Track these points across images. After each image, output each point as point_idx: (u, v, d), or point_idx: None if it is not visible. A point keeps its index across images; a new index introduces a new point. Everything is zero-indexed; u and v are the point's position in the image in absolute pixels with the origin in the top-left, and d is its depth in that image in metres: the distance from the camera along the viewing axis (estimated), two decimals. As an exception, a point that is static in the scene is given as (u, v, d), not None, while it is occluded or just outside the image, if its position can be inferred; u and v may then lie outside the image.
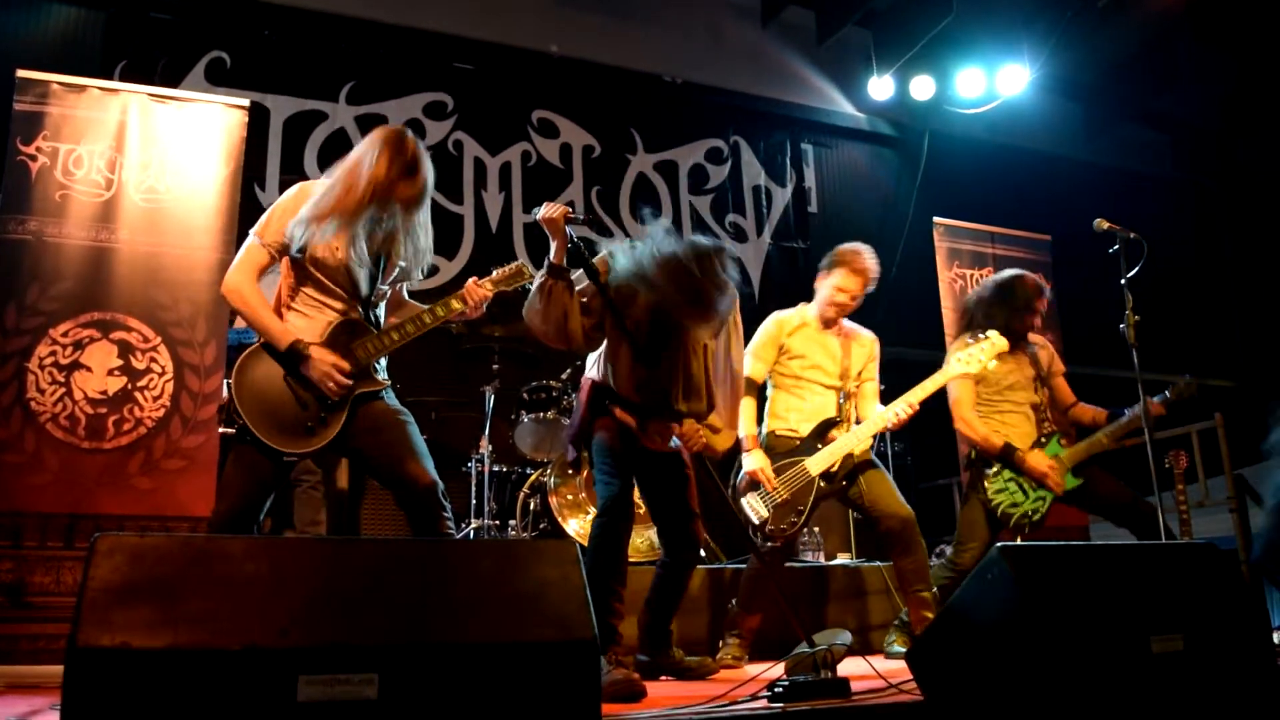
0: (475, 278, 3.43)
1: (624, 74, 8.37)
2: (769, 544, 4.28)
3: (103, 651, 1.58)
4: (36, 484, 4.07)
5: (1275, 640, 3.22)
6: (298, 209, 3.19)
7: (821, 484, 4.25)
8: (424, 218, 3.30)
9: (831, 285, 4.42)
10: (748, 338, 4.54)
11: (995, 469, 4.56)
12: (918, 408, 4.25)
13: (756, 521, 4.23)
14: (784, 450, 4.34)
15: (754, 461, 4.27)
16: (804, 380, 4.42)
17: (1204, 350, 10.05)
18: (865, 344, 4.56)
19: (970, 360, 4.32)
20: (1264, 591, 5.69)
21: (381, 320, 3.39)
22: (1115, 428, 4.49)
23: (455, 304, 3.38)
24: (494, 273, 3.53)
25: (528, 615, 1.85)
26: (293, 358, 3.11)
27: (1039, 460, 4.48)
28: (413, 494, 3.17)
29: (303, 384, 3.14)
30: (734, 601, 4.46)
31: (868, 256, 4.43)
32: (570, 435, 3.73)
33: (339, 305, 3.24)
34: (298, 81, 7.21)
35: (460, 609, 1.81)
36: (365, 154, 3.15)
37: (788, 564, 4.83)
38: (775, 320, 4.53)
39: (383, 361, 3.35)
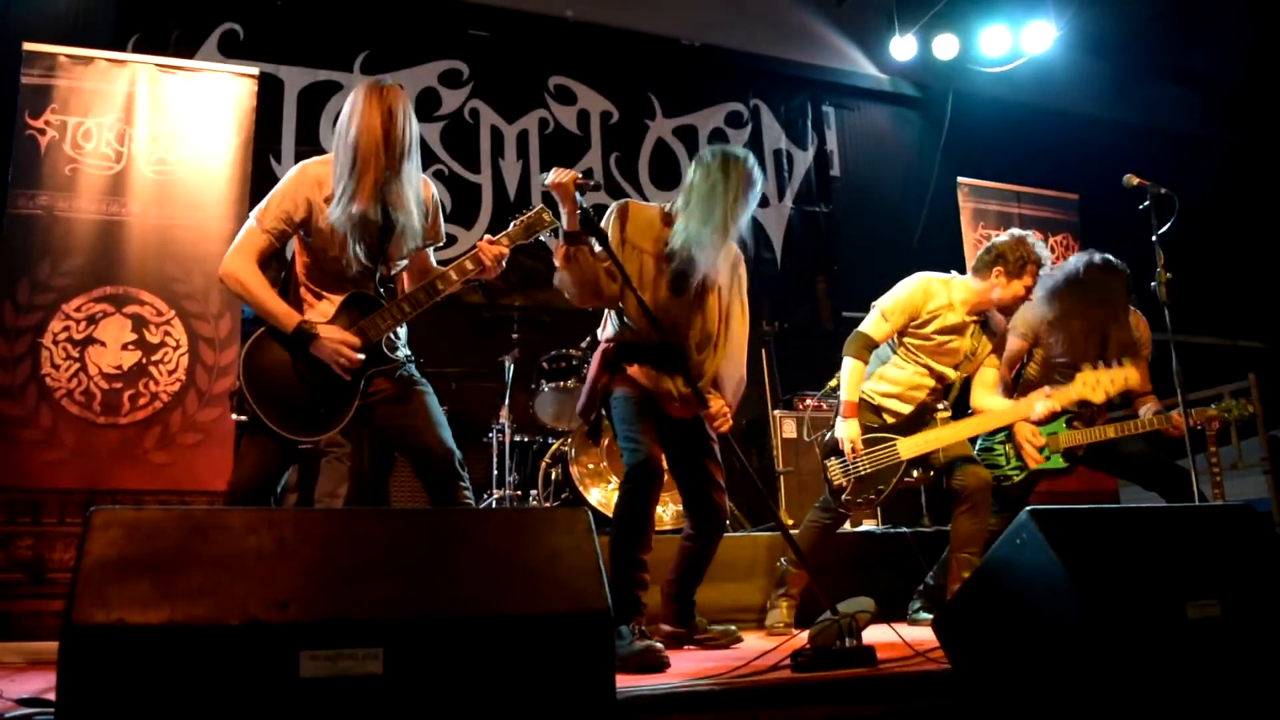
0: (488, 236, 3.31)
1: (641, 38, 8.24)
2: (841, 511, 4.23)
3: (98, 628, 1.53)
4: (53, 460, 4.06)
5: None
6: (296, 193, 3.12)
7: (914, 473, 4.17)
8: (415, 175, 3.14)
9: (1011, 294, 4.19)
10: (781, 300, 4.45)
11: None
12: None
13: (834, 487, 4.18)
14: (877, 425, 4.24)
15: (846, 430, 4.16)
16: (921, 355, 4.27)
17: (1236, 310, 9.87)
18: (997, 330, 4.38)
19: (1096, 387, 4.15)
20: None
21: (398, 293, 3.30)
22: (1123, 424, 4.38)
23: (469, 264, 3.22)
24: (511, 226, 3.32)
25: (538, 586, 1.79)
26: (300, 339, 3.04)
27: (1024, 431, 4.39)
28: (430, 464, 3.14)
29: (312, 367, 3.06)
30: (783, 559, 4.39)
31: (1042, 254, 4.26)
32: (584, 399, 3.65)
33: (351, 282, 3.17)
34: (311, 52, 7.13)
35: (468, 580, 1.75)
36: (346, 122, 3.04)
37: None
38: (922, 287, 4.30)
39: (403, 335, 3.29)
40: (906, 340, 4.30)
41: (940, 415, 4.25)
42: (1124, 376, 4.16)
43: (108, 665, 1.52)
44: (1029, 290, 4.22)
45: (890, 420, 4.25)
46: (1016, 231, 4.32)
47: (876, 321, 4.27)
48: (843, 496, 4.16)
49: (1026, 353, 4.64)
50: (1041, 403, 4.19)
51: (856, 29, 9.05)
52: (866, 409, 4.27)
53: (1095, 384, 4.15)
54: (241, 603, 1.60)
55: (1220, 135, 10.59)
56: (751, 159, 3.54)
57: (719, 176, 3.47)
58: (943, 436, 4.17)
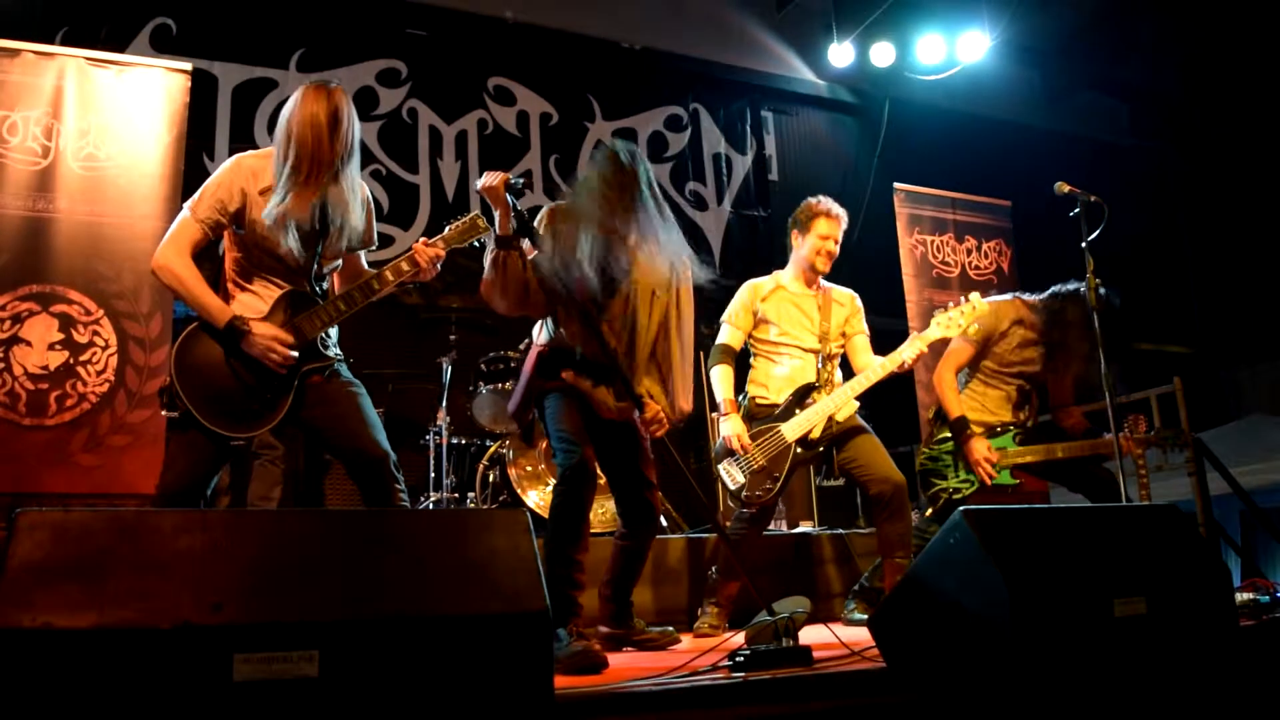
0: (425, 238, 3.29)
1: (582, 40, 8.24)
2: (746, 510, 4.25)
3: (23, 633, 1.49)
4: (-25, 462, 3.95)
5: (1237, 602, 3.22)
6: (231, 183, 3.07)
7: (798, 450, 4.21)
8: (355, 177, 3.13)
9: (816, 236, 4.37)
10: (721, 306, 4.49)
11: (942, 435, 4.54)
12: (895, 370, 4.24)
13: (733, 488, 4.21)
14: (762, 417, 4.30)
15: (729, 427, 4.23)
16: (782, 347, 4.36)
17: (1162, 316, 10.12)
18: (845, 301, 4.50)
19: (949, 324, 4.27)
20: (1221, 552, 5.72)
21: (329, 295, 3.26)
22: (1076, 445, 4.45)
23: (405, 266, 3.21)
24: (446, 229, 3.33)
25: (476, 587, 1.77)
26: (232, 335, 2.99)
27: (980, 447, 4.41)
28: (365, 467, 3.10)
29: (245, 363, 3.01)
30: (714, 569, 4.41)
31: (834, 203, 4.45)
32: (517, 399, 3.61)
33: (285, 279, 3.12)
34: (247, 48, 7.02)
35: (405, 581, 1.74)
36: (288, 119, 3.02)
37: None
38: (749, 286, 4.47)
39: (334, 335, 3.25)
40: (759, 343, 4.43)
41: (818, 394, 4.30)
42: (973, 308, 4.29)
43: (33, 671, 1.48)
44: (827, 239, 4.37)
45: (772, 411, 4.31)
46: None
47: (729, 331, 4.45)
48: (743, 494, 4.20)
49: (973, 357, 4.63)
50: (909, 349, 4.26)
51: (796, 35, 9.14)
52: (760, 406, 4.35)
53: (948, 323, 4.28)
54: (173, 605, 1.57)
55: (1148, 144, 10.85)
56: (626, 151, 3.46)
57: (598, 174, 3.45)
58: (822, 409, 4.23)
